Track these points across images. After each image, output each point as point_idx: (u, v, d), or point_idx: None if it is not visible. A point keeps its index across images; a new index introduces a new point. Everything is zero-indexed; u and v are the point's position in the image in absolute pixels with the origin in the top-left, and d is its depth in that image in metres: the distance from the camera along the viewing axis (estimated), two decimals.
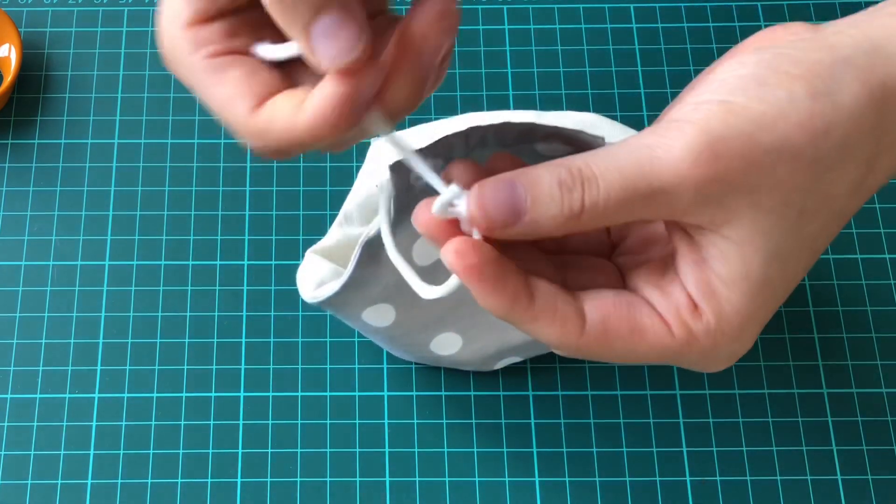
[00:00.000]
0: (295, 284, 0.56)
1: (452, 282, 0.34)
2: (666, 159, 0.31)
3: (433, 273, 0.46)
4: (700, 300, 0.33)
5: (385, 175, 0.45)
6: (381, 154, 0.52)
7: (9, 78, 0.59)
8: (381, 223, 0.37)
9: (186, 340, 0.55)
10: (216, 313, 0.56)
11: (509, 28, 0.63)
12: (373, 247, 0.42)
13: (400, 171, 0.38)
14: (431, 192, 0.37)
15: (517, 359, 0.53)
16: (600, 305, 0.34)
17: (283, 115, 0.33)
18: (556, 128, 0.37)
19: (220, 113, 0.35)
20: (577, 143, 0.37)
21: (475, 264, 0.32)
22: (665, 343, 0.33)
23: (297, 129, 0.33)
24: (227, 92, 0.34)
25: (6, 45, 0.60)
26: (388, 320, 0.48)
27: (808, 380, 0.55)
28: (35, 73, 0.62)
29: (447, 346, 0.51)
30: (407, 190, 0.39)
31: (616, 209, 0.32)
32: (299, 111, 0.33)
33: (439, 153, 0.38)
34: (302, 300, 0.56)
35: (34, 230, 0.58)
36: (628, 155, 0.32)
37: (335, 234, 0.50)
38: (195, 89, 0.36)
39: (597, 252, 0.38)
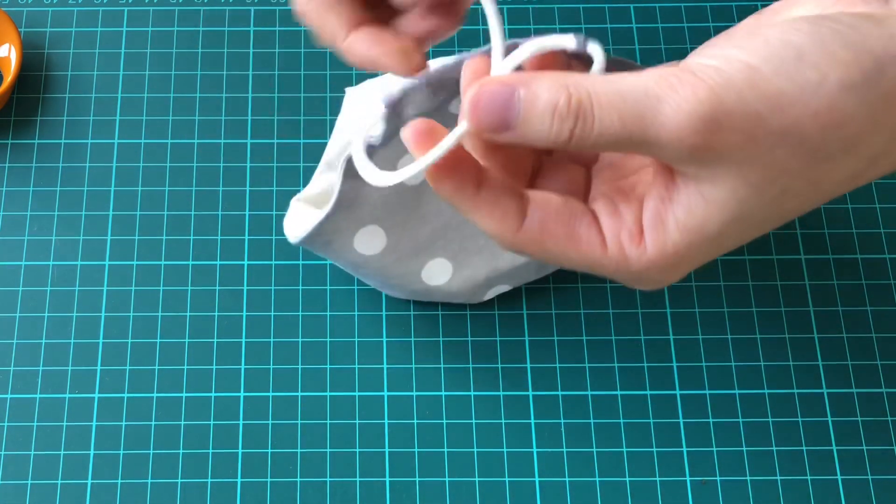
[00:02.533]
0: (295, 284, 0.56)
1: (407, 171, 0.34)
2: (669, 118, 0.31)
3: (419, 192, 0.48)
4: (648, 231, 0.34)
5: (379, 103, 0.47)
6: (357, 101, 0.53)
7: (9, 78, 0.59)
8: (354, 137, 0.41)
9: (186, 340, 0.55)
10: (216, 313, 0.56)
11: (509, 28, 0.63)
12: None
13: (395, 105, 0.41)
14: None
15: (506, 287, 0.55)
16: (544, 207, 0.35)
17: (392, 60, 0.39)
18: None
19: None
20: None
21: (431, 146, 0.34)
22: (596, 256, 0.35)
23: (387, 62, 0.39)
24: None
25: (6, 45, 0.60)
26: (379, 246, 0.49)
27: (808, 380, 0.55)
28: (35, 73, 0.62)
29: (438, 274, 0.52)
30: (398, 116, 0.41)
31: (605, 146, 0.33)
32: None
33: (444, 86, 0.41)
34: (302, 300, 0.56)
35: (34, 230, 0.58)
36: (635, 102, 0.32)
37: (318, 181, 0.52)
38: None
39: (582, 155, 0.39)
